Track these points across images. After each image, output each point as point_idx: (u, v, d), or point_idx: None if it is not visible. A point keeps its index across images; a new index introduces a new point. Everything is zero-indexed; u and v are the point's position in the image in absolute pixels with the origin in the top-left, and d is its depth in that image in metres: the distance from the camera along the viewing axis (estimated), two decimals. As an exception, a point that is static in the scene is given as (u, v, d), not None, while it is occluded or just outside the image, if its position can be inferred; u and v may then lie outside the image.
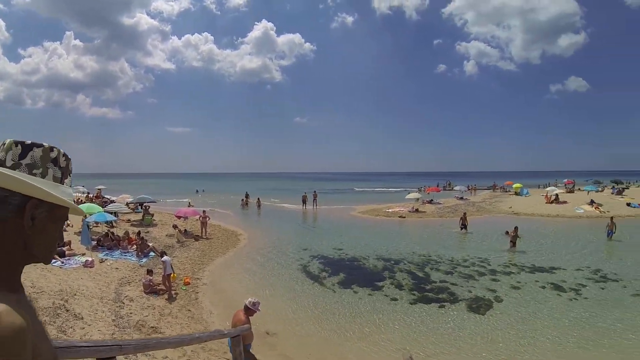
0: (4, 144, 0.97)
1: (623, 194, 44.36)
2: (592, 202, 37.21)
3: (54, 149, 1.02)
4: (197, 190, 60.77)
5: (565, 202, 39.09)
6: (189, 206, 29.02)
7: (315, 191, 39.88)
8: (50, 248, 1.03)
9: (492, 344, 9.39)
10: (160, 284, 11.66)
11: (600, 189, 48.01)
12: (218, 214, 30.10)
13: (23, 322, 0.86)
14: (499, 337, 9.78)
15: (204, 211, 21.90)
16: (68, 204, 1.02)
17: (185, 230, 21.09)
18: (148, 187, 67.56)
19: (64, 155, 1.05)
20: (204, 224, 21.12)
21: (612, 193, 44.98)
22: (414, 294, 12.53)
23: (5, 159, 0.96)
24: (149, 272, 11.95)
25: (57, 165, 1.03)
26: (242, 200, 40.78)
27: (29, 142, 0.99)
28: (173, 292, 11.50)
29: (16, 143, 0.97)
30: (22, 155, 0.97)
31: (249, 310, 6.37)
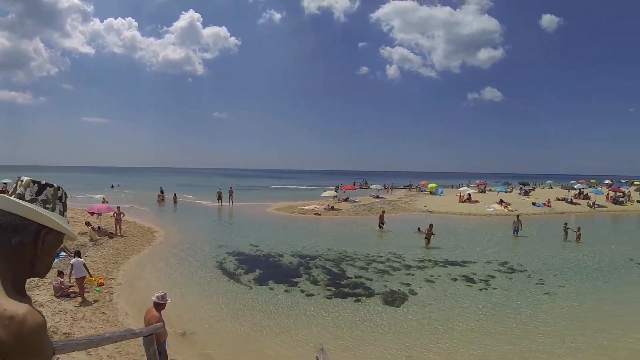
0: (22, 181, 1.45)
1: (529, 194, 52.36)
2: (501, 202, 44.47)
3: (60, 189, 1.52)
4: (112, 185, 66.35)
5: (477, 201, 46.11)
6: (103, 202, 30.78)
7: (231, 187, 44.02)
8: (49, 266, 1.47)
9: (407, 335, 10.80)
10: (72, 285, 12.35)
11: (509, 190, 56.09)
12: (133, 210, 32.43)
13: (43, 319, 1.24)
14: (414, 328, 11.28)
15: (118, 207, 23.45)
16: (68, 232, 1.49)
17: (98, 227, 22.57)
18: (59, 181, 61.02)
19: (65, 193, 1.54)
20: (118, 220, 22.76)
21: (520, 194, 53.53)
22: (330, 290, 14.05)
23: (24, 193, 1.41)
24: (60, 273, 12.45)
25: (61, 201, 1.52)
26: (158, 196, 44.32)
27: (44, 182, 1.47)
28: (86, 293, 12.30)
29: (33, 182, 1.45)
30: (39, 193, 1.44)
31: (160, 305, 6.86)
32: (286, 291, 13.78)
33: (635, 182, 66.99)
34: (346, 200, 45.21)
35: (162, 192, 45.00)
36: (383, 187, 65.35)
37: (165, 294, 7.03)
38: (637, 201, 49.69)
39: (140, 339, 6.23)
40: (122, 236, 21.91)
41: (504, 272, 17.14)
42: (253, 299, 12.95)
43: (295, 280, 15.04)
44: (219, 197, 41.28)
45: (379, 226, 26.73)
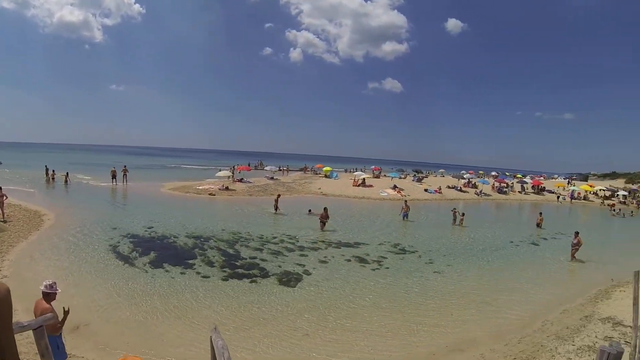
0: None
1: (422, 181, 56.05)
2: (395, 187, 47.98)
3: None
4: (-9, 163, 60.73)
5: (371, 185, 49.14)
6: (-19, 183, 27.20)
7: (125, 166, 43.59)
8: None
9: (304, 313, 11.27)
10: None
11: (403, 177, 59.58)
12: (18, 191, 30.67)
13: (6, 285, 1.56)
14: (310, 307, 11.79)
15: (0, 188, 22.29)
16: None
17: (-23, 213, 21.39)
18: None
19: None
20: (0, 204, 21.90)
21: (413, 180, 56.80)
22: (225, 271, 14.55)
23: None
24: None
25: None
26: (47, 175, 42.45)
27: None
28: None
29: None
30: None
31: (49, 296, 6.66)
32: (182, 273, 13.99)
33: (517, 175, 77.01)
34: (241, 180, 46.35)
35: (48, 171, 42.76)
36: (278, 169, 68.24)
37: (54, 282, 6.76)
38: (519, 192, 58.27)
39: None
40: (5, 221, 20.79)
41: (396, 253, 18.52)
42: (149, 283, 12.94)
43: (190, 262, 15.38)
44: (113, 176, 41.13)
45: (275, 209, 27.90)
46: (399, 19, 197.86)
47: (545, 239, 25.27)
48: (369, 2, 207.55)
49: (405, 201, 28.72)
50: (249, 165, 68.00)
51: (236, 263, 15.49)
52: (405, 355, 9.20)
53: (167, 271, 14.05)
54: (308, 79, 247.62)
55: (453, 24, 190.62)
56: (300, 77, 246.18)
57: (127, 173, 42.00)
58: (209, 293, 12.23)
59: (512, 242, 23.44)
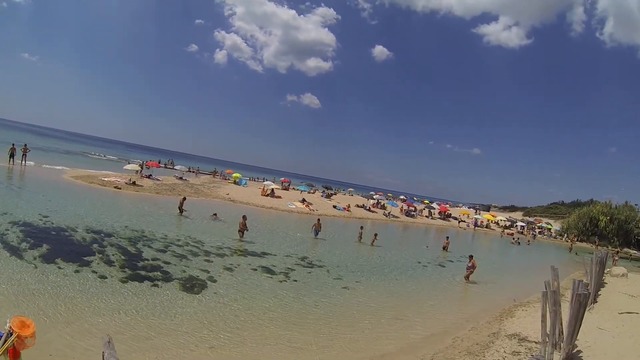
0: None
1: (331, 197, 56.59)
2: (304, 201, 48.07)
3: None
4: None
5: (279, 197, 49.39)
6: None
7: (26, 145, 40.90)
8: None
9: (209, 323, 10.57)
10: None
11: (312, 191, 59.91)
12: None
13: None
14: (215, 316, 11.13)
15: None
16: None
17: None
18: None
19: None
20: None
21: (322, 196, 57.40)
22: (125, 272, 13.66)
23: None
24: None
25: None
26: None
27: None
28: None
29: None
30: None
31: None
32: (77, 272, 12.73)
33: (425, 201, 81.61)
34: (149, 177, 45.25)
35: None
36: (188, 170, 68.20)
37: None
38: (426, 216, 62.37)
39: None
40: None
41: (304, 267, 18.41)
42: (38, 280, 11.54)
43: (87, 259, 14.17)
44: (11, 155, 37.96)
45: (180, 211, 27.12)
46: (328, 37, 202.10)
47: (451, 261, 27.02)
48: (302, 16, 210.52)
49: (318, 219, 28.77)
50: (159, 162, 67.49)
51: (137, 264, 14.56)
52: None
53: (60, 268, 12.74)
54: (229, 82, 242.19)
55: (379, 51, 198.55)
56: (222, 79, 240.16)
57: (27, 152, 39.28)
58: (105, 296, 11.20)
59: (419, 262, 24.69)
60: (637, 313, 14.70)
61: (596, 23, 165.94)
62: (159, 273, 13.87)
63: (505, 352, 10.47)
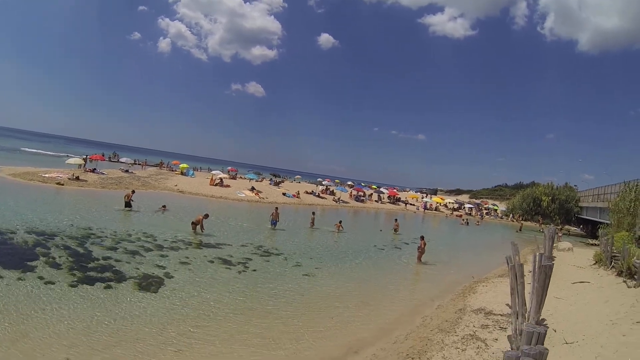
0: None
1: (280, 185, 55.64)
2: (253, 189, 47.19)
3: None
4: None
5: (228, 186, 48.20)
6: None
7: None
8: None
9: (170, 325, 9.55)
10: None
11: (260, 179, 58.44)
12: None
13: None
14: (176, 316, 10.16)
15: None
16: None
17: None
18: None
19: None
20: None
21: (270, 184, 56.39)
22: (74, 274, 12.27)
23: None
24: None
25: None
26: None
27: None
28: None
29: None
30: None
31: None
32: (20, 279, 11.17)
33: (373, 186, 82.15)
34: (93, 171, 42.66)
35: None
36: (134, 162, 66.45)
37: None
38: (375, 201, 62.86)
39: None
40: None
41: (261, 255, 17.76)
42: None
43: (31, 264, 12.58)
44: None
45: (125, 205, 25.54)
46: (274, 26, 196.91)
47: (406, 243, 27.13)
48: (247, 3, 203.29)
49: (276, 207, 27.35)
50: (102, 155, 63.65)
51: (87, 265, 13.17)
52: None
53: (0, 277, 11.14)
54: (173, 72, 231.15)
55: (325, 39, 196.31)
56: (166, 69, 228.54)
57: None
58: (55, 303, 9.83)
59: (375, 245, 24.62)
60: (588, 282, 15.57)
61: (538, 18, 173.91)
62: (111, 273, 12.63)
63: (474, 326, 10.52)
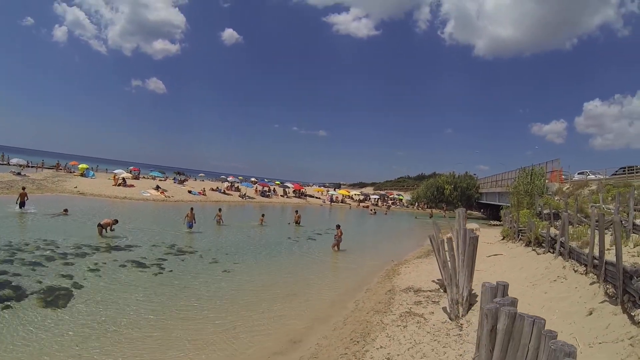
0: None
1: (184, 183, 52.95)
2: (158, 188, 44.65)
3: None
4: None
5: (132, 185, 45.17)
6: None
7: None
8: None
9: (87, 342, 7.97)
10: None
11: (163, 178, 55.20)
12: None
13: None
14: (93, 330, 8.55)
15: None
16: None
17: None
18: None
19: None
20: None
21: (175, 182, 53.67)
22: None
23: None
24: None
25: None
26: None
27: None
28: None
29: None
30: None
31: None
32: None
33: (277, 182, 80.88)
34: None
35: None
36: (27, 164, 59.25)
37: None
38: (281, 195, 61.90)
39: None
40: None
41: (175, 254, 16.37)
42: None
43: None
44: None
45: (19, 205, 23.31)
46: (178, 19, 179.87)
47: (319, 234, 26.80)
48: None
49: (192, 208, 24.09)
50: None
51: (-22, 284, 10.99)
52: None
53: None
54: (69, 64, 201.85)
55: (229, 34, 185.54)
56: (61, 60, 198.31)
57: None
58: None
59: (289, 238, 24.09)
60: (501, 254, 16.71)
61: (439, 23, 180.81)
62: (9, 290, 10.41)
63: (407, 303, 10.57)
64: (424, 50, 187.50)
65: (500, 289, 5.11)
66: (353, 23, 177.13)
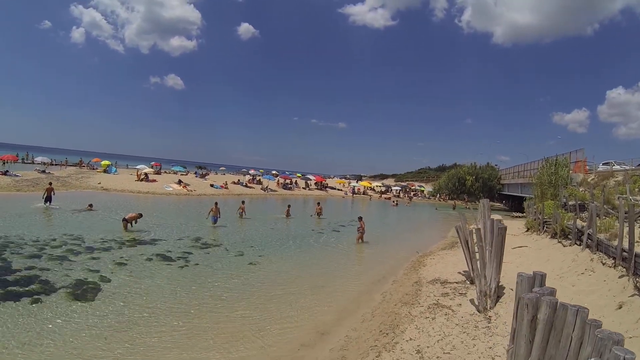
0: None
1: (206, 177, 52.99)
2: (180, 182, 44.85)
3: None
4: None
5: (155, 180, 45.33)
6: None
7: None
8: None
9: (116, 335, 7.87)
10: None
11: (185, 173, 55.32)
12: None
13: None
14: (122, 323, 8.44)
15: None
16: None
17: None
18: None
19: None
20: None
21: (196, 176, 53.57)
22: None
23: None
24: None
25: None
26: None
27: None
28: None
29: None
30: None
31: None
32: None
33: (298, 174, 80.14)
34: (5, 173, 38.25)
35: None
36: (51, 162, 59.79)
37: None
38: (303, 188, 61.37)
39: None
40: None
41: (200, 248, 16.28)
42: None
43: None
44: None
45: (45, 201, 23.38)
46: (193, 15, 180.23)
47: (343, 225, 26.36)
48: None
49: (216, 203, 23.26)
50: (17, 155, 58.38)
51: (8, 278, 10.76)
52: (276, 355, 7.47)
53: None
54: (88, 65, 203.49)
55: (245, 29, 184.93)
56: (80, 61, 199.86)
57: None
58: None
59: (313, 230, 23.80)
60: (526, 246, 16.15)
61: (456, 11, 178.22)
62: (38, 285, 10.39)
63: (435, 295, 10.32)
64: (442, 39, 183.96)
65: (538, 279, 4.92)
66: (369, 14, 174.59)
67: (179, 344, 7.60)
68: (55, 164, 61.32)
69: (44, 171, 44.86)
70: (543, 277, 4.96)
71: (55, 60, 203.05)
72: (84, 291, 10.14)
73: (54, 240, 15.53)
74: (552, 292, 4.32)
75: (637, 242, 8.80)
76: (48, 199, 23.52)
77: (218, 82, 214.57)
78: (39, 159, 58.63)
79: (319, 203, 32.79)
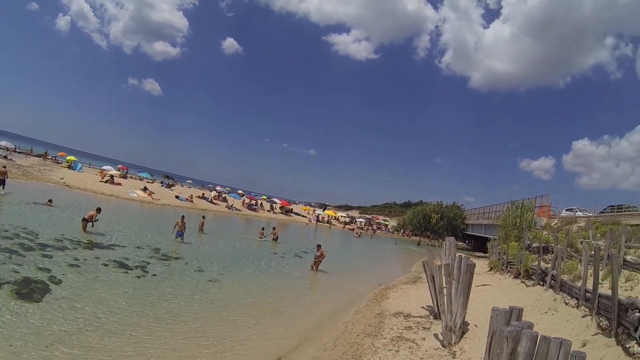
0: None
1: (172, 188, 51.68)
2: (145, 189, 43.69)
3: None
4: None
5: (120, 184, 43.64)
6: None
7: None
8: None
9: (60, 343, 7.06)
10: None
11: (152, 180, 53.63)
12: None
13: None
14: (68, 330, 7.65)
15: None
16: None
17: None
18: None
19: None
20: None
21: (162, 185, 52.37)
22: None
23: None
24: None
25: None
26: None
27: None
28: None
29: None
30: None
31: None
32: None
33: (264, 197, 78.70)
34: None
35: None
36: (14, 149, 56.16)
37: None
38: (267, 210, 60.20)
39: None
40: None
41: (159, 259, 15.52)
42: None
43: None
44: None
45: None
46: (181, 22, 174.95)
47: (305, 252, 25.64)
48: None
49: (183, 216, 21.65)
50: None
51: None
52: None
53: None
54: (69, 55, 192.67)
55: (230, 44, 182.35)
56: (61, 49, 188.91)
57: None
58: None
59: (275, 253, 23.14)
60: (489, 285, 16.38)
61: (437, 52, 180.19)
62: (-20, 278, 9.57)
63: (398, 328, 10.21)
64: (421, 78, 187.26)
65: (515, 313, 4.95)
66: (353, 44, 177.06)
67: (129, 357, 6.94)
68: (20, 152, 57.41)
69: (5, 157, 42.47)
70: (520, 311, 5.00)
71: (36, 44, 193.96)
72: (30, 290, 9.29)
73: (6, 230, 14.56)
74: (531, 325, 4.36)
75: (600, 283, 8.96)
76: (1, 182, 22.32)
77: (195, 92, 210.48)
78: (2, 143, 54.53)
79: (274, 227, 31.58)
